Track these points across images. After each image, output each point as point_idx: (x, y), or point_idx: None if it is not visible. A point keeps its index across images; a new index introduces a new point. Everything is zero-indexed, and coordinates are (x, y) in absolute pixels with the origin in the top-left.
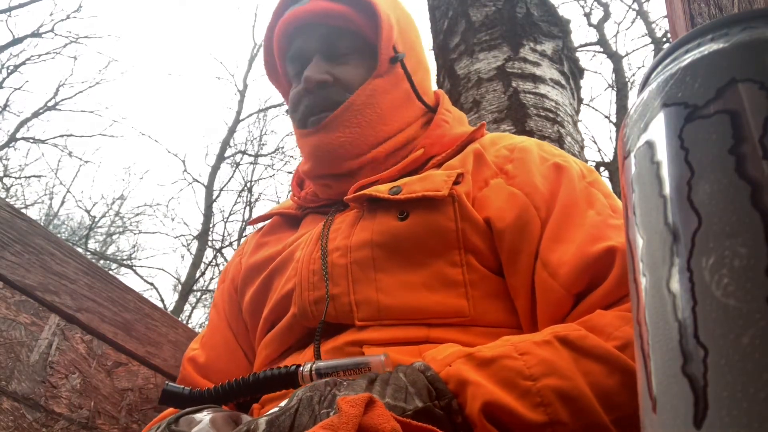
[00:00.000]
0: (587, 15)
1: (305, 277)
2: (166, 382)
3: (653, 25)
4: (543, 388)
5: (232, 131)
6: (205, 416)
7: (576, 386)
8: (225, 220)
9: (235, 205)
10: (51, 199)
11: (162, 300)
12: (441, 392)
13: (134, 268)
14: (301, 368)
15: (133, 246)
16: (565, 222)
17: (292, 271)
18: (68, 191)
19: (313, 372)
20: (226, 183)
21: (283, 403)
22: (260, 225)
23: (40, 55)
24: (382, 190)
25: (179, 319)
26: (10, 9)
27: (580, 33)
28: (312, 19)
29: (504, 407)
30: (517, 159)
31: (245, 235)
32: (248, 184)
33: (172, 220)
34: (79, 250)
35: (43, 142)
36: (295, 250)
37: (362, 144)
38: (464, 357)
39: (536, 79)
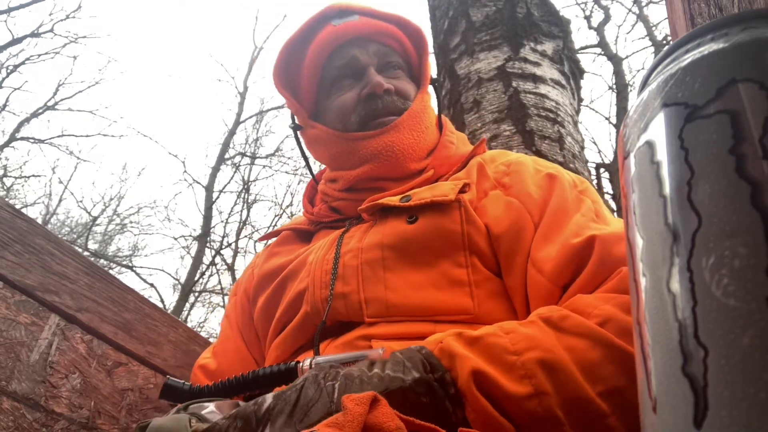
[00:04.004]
0: (588, 18)
1: (318, 277)
2: (168, 376)
3: (653, 29)
4: (527, 361)
5: (232, 133)
6: (211, 404)
7: (558, 359)
8: (224, 221)
9: (234, 206)
10: (49, 198)
11: (162, 300)
12: (435, 366)
13: (134, 268)
14: (301, 364)
15: (134, 246)
16: (554, 224)
17: (305, 273)
18: (66, 187)
19: (313, 366)
20: (226, 185)
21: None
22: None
23: (39, 55)
24: (393, 200)
25: (179, 319)
26: (9, 9)
27: (581, 35)
28: (369, 35)
29: (491, 379)
30: (514, 172)
31: (243, 236)
32: (246, 185)
33: (170, 221)
34: (78, 249)
35: (42, 141)
36: (308, 256)
37: (424, 147)
38: (454, 335)
39: (536, 79)
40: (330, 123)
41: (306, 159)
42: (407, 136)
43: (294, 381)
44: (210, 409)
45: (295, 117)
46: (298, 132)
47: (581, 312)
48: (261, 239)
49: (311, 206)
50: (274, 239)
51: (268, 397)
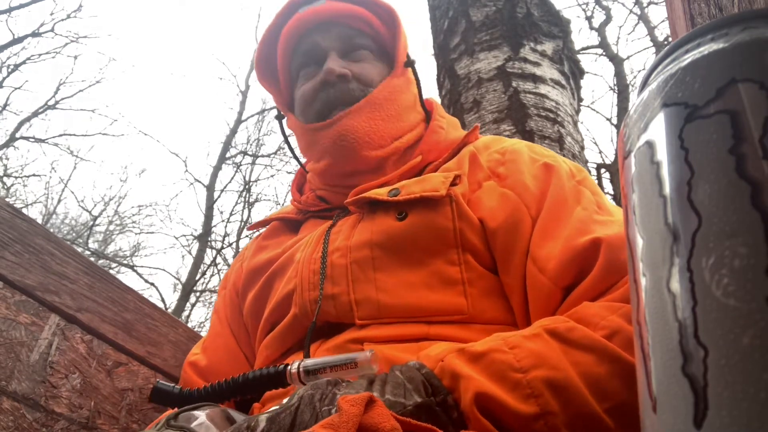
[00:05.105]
0: (589, 18)
1: (306, 278)
2: (157, 380)
3: (654, 29)
4: (533, 379)
5: (233, 132)
6: (202, 413)
7: (566, 376)
8: (226, 220)
9: (235, 205)
10: (47, 198)
11: (163, 300)
12: (436, 388)
13: (135, 268)
14: (289, 367)
15: (135, 246)
16: (554, 219)
17: (292, 272)
18: (66, 186)
19: (301, 370)
20: (227, 184)
21: (284, 401)
22: (259, 230)
23: (40, 55)
24: (381, 192)
25: (179, 319)
26: (10, 9)
27: (582, 36)
28: (331, 17)
29: (495, 399)
30: (509, 161)
31: (244, 236)
32: (248, 185)
33: (171, 220)
34: (79, 249)
35: (43, 141)
36: (295, 252)
37: (385, 134)
38: (456, 352)
39: (536, 79)
40: (298, 113)
41: (290, 147)
42: (362, 124)
43: (289, 400)
44: (200, 420)
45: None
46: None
47: (587, 323)
48: (250, 228)
49: (299, 194)
50: (264, 228)
51: (261, 421)
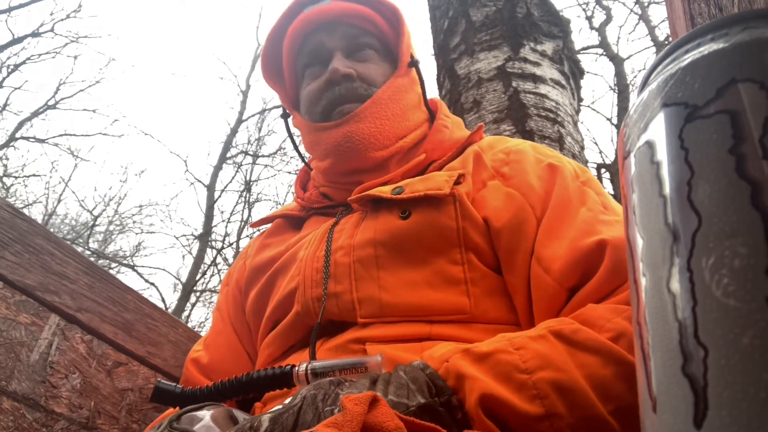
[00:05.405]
0: (589, 18)
1: (308, 276)
2: (159, 379)
3: (655, 29)
4: (539, 380)
5: (234, 131)
6: (206, 413)
7: (571, 378)
8: (226, 220)
9: (236, 205)
10: (47, 198)
11: (163, 300)
12: (440, 389)
13: (135, 267)
14: (296, 368)
15: (135, 246)
16: (559, 219)
17: (295, 270)
18: (66, 185)
19: (309, 372)
20: (228, 184)
21: (287, 401)
22: (263, 228)
23: (40, 55)
24: (385, 190)
25: (180, 319)
26: (10, 9)
27: (583, 36)
28: (336, 17)
29: (500, 400)
30: (513, 161)
31: (245, 236)
32: (249, 185)
33: (171, 220)
34: (79, 249)
35: (43, 141)
36: (298, 250)
37: (390, 135)
38: (461, 352)
39: (536, 79)
40: (303, 112)
41: (295, 146)
42: (369, 126)
43: (291, 400)
44: (204, 421)
45: (284, 106)
46: (289, 120)
47: (592, 325)
48: (253, 225)
49: (303, 191)
50: (267, 225)
51: (264, 421)
